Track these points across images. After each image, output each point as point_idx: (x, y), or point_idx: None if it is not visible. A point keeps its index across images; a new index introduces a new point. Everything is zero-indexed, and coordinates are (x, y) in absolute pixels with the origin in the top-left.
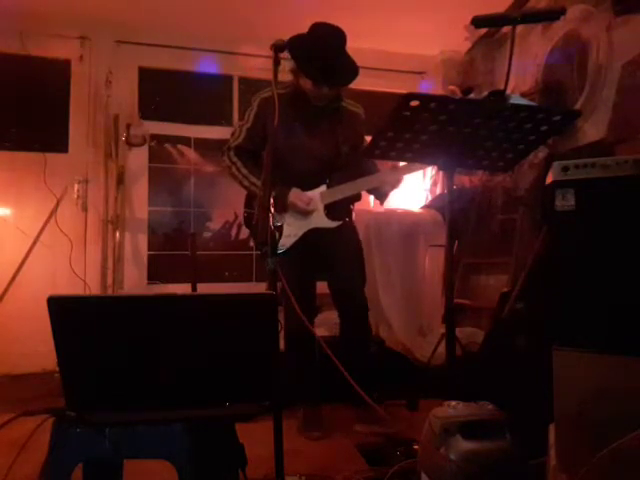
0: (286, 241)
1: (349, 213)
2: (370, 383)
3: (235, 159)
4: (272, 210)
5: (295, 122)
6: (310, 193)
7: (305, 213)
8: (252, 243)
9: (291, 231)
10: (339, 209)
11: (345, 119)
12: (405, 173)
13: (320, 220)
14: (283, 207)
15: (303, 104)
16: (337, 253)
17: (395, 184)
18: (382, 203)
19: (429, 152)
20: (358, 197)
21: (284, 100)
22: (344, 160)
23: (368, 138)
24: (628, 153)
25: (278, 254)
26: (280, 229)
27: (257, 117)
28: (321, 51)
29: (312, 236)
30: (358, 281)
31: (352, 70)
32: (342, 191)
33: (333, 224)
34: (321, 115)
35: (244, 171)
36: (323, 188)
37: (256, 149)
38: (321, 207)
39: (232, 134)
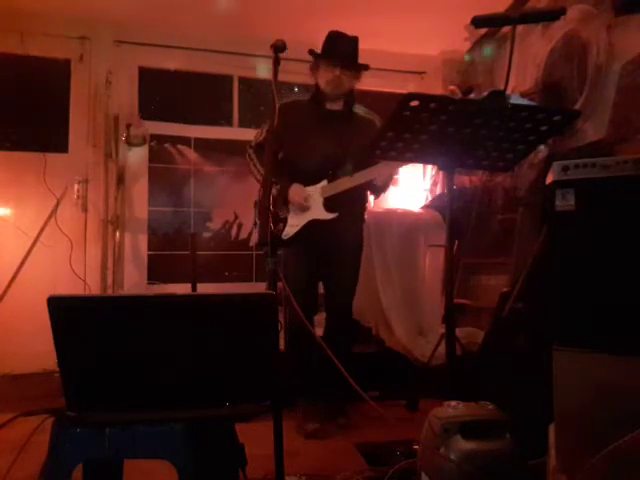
0: (290, 230)
1: (358, 212)
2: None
3: (253, 156)
4: (272, 209)
5: (309, 125)
6: (311, 188)
7: (302, 208)
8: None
9: (294, 221)
10: (337, 202)
11: (356, 124)
12: (399, 165)
13: (318, 212)
14: (285, 201)
15: (318, 109)
16: (337, 251)
17: (389, 177)
18: (377, 197)
19: (429, 152)
20: (364, 196)
21: (303, 106)
22: (351, 159)
23: None
24: (628, 153)
25: (283, 241)
26: (285, 220)
27: (277, 119)
28: (339, 40)
29: (313, 228)
30: (349, 283)
31: (360, 64)
32: (340, 185)
33: (329, 216)
34: (333, 119)
35: (258, 166)
36: (324, 183)
37: (274, 148)
38: (320, 200)
39: (256, 134)
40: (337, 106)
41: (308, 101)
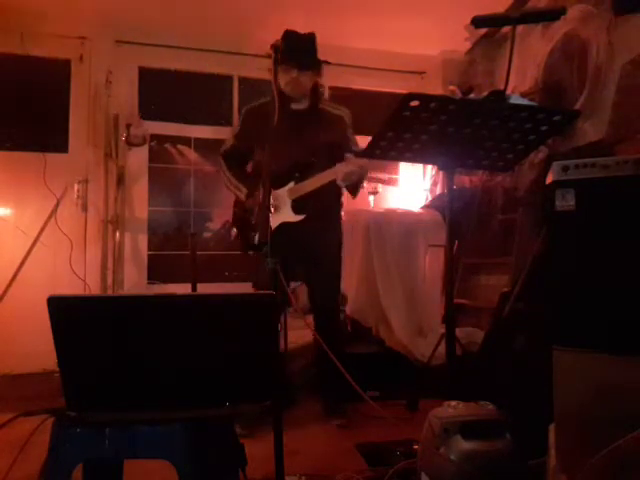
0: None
1: (332, 211)
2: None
3: (223, 164)
4: (272, 211)
5: (275, 128)
6: (279, 191)
7: (273, 207)
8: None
9: None
10: (306, 203)
11: (324, 122)
12: (363, 162)
13: (287, 215)
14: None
15: (283, 110)
16: (313, 253)
17: (352, 175)
18: (353, 197)
19: (429, 152)
20: (337, 196)
21: (268, 109)
22: (319, 158)
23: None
24: (628, 153)
25: (255, 246)
26: (255, 226)
27: (242, 124)
28: (293, 40)
29: (284, 231)
30: (330, 283)
31: (319, 60)
32: (306, 186)
33: (297, 218)
34: (300, 119)
35: (228, 174)
36: (292, 185)
37: (242, 155)
38: (288, 202)
39: (225, 142)
40: (302, 105)
41: (272, 103)
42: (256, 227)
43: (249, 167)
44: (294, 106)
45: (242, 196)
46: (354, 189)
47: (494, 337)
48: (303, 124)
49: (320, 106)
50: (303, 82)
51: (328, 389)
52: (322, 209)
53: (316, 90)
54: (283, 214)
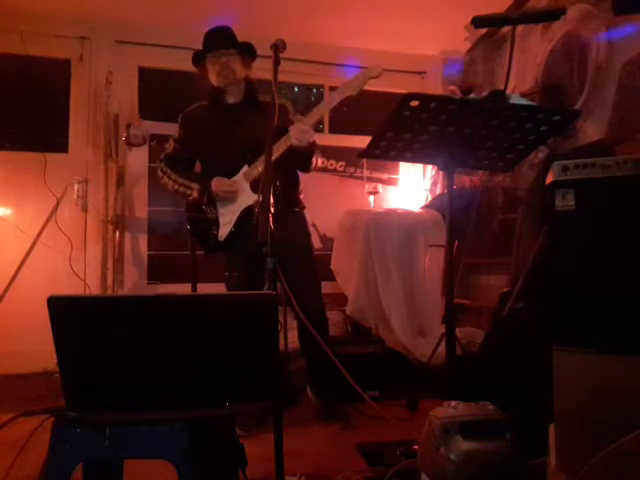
0: (224, 230)
1: (291, 193)
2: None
3: (166, 168)
4: (273, 211)
5: (215, 125)
6: (233, 178)
7: (231, 195)
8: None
9: (226, 219)
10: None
11: (264, 111)
12: (310, 123)
13: (248, 197)
14: (210, 199)
15: (220, 106)
16: (282, 245)
17: (304, 133)
18: (306, 171)
19: (429, 152)
20: (295, 176)
21: (206, 109)
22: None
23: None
24: (628, 153)
25: (220, 243)
26: (217, 221)
27: (182, 129)
28: (211, 33)
29: (248, 219)
30: (311, 286)
31: (242, 44)
32: (261, 163)
33: (256, 197)
34: (238, 111)
35: (173, 176)
36: (245, 168)
37: (184, 157)
38: (246, 186)
39: (165, 147)
40: (238, 99)
41: (209, 103)
42: (214, 222)
43: (197, 169)
44: (230, 100)
45: (194, 193)
46: (307, 160)
47: (494, 337)
48: (243, 116)
49: (258, 98)
50: (233, 66)
51: (325, 392)
52: (282, 190)
53: (250, 84)
54: (243, 200)
